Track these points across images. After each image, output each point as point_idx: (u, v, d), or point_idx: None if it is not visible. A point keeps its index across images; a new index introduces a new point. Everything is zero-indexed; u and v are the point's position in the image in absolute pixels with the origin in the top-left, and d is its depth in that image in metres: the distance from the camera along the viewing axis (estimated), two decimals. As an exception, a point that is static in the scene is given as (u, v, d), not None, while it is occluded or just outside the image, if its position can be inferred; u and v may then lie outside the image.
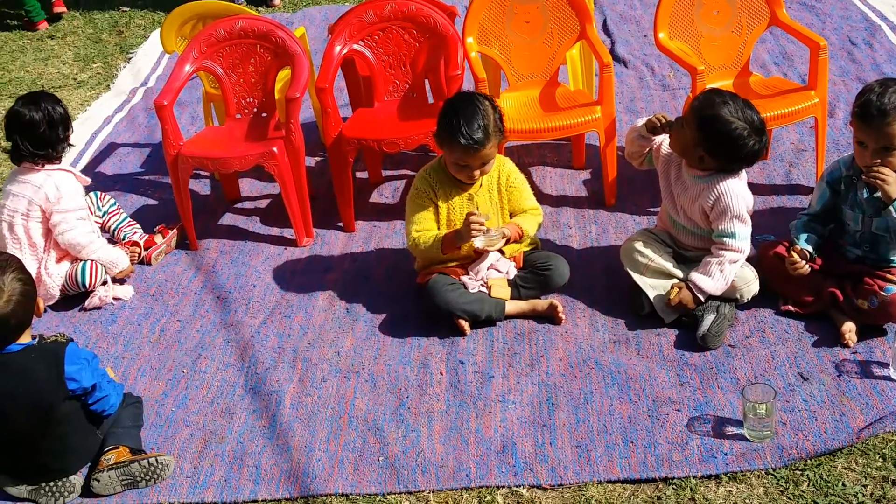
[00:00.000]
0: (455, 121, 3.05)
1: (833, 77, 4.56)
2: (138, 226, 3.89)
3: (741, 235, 3.05)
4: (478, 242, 3.10)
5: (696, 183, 3.08)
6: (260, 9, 6.52)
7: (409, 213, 3.25)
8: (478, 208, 3.22)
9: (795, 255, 2.99)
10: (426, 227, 3.22)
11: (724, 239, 3.05)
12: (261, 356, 3.21)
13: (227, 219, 4.11)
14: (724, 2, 3.81)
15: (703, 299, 3.06)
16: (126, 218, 3.88)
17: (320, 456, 2.77)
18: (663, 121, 3.09)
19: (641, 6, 5.81)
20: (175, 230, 3.91)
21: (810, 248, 3.05)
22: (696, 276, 3.07)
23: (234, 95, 3.95)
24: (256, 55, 3.89)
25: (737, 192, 3.03)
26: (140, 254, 3.79)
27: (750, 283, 3.12)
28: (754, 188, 3.79)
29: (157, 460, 2.72)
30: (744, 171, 3.09)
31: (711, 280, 3.05)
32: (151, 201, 4.31)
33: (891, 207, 2.84)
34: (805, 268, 2.99)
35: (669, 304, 3.08)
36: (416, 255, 3.31)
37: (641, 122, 3.15)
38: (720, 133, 2.94)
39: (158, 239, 3.86)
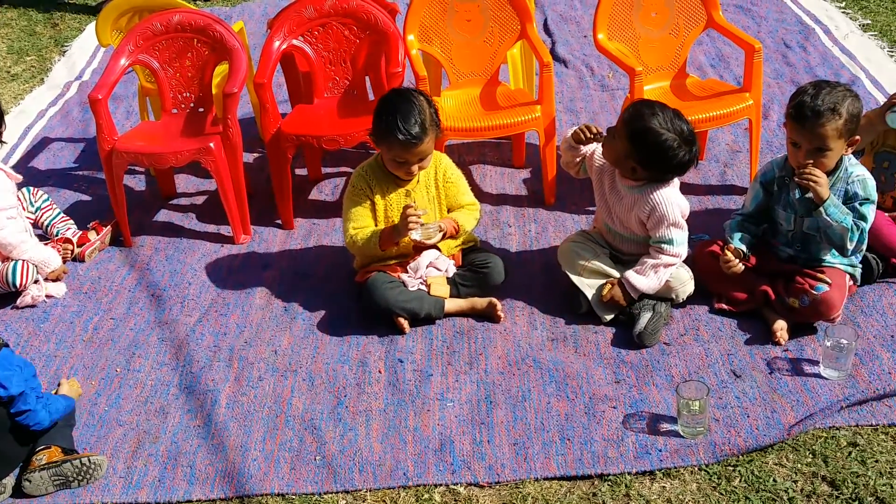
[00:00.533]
0: (391, 117, 3.04)
1: (767, 79, 4.66)
2: (72, 222, 3.80)
3: (678, 241, 3.10)
4: (415, 235, 3.09)
5: (630, 193, 3.12)
6: (198, 2, 6.42)
7: (347, 210, 3.23)
8: (415, 204, 3.22)
9: (729, 254, 3.05)
10: (364, 224, 3.20)
11: (662, 245, 3.10)
12: (196, 355, 3.16)
13: (163, 215, 4.03)
14: (661, 4, 3.86)
15: (635, 297, 3.10)
16: (59, 214, 3.79)
17: (256, 455, 2.73)
18: (588, 133, 3.11)
19: (582, 7, 5.86)
20: (109, 227, 3.83)
21: (744, 248, 3.11)
22: (630, 275, 3.11)
23: (171, 90, 3.88)
24: (194, 49, 3.83)
25: (671, 200, 3.07)
26: (73, 251, 3.70)
27: (685, 284, 3.17)
28: (690, 189, 3.87)
29: (89, 460, 2.67)
30: (676, 178, 3.13)
31: (645, 279, 3.09)
32: (85, 197, 4.20)
33: (821, 208, 2.91)
34: (739, 266, 3.04)
35: (603, 301, 3.12)
36: (354, 252, 3.29)
37: (570, 132, 3.17)
38: (651, 145, 2.98)
39: (92, 236, 3.77)
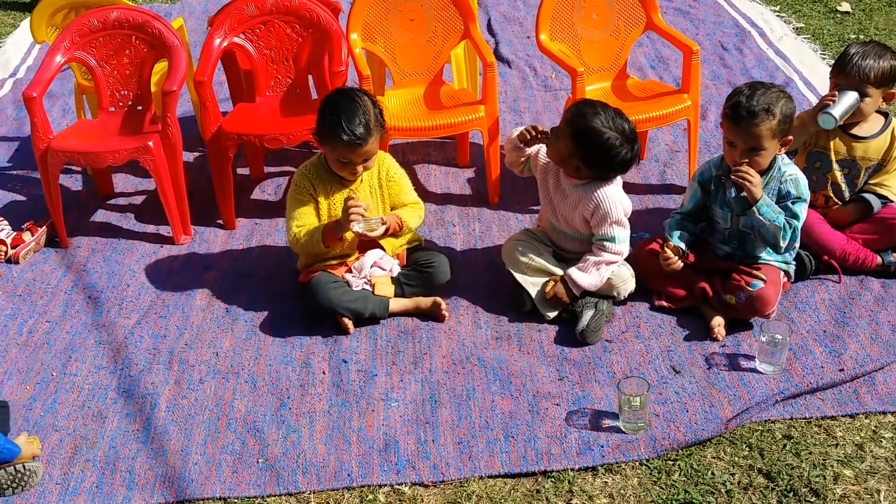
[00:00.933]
0: (336, 118, 3.02)
1: (705, 81, 4.76)
2: (5, 222, 3.71)
3: (620, 239, 3.14)
4: (357, 227, 3.05)
5: (574, 191, 3.16)
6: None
7: (290, 209, 3.20)
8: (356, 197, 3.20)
9: (669, 252, 3.10)
10: (307, 223, 3.17)
11: (605, 242, 3.14)
12: (135, 358, 3.10)
13: (100, 215, 3.95)
14: (602, 6, 3.91)
15: (577, 294, 3.13)
16: None
17: (197, 459, 2.69)
18: (533, 133, 3.14)
19: (525, 8, 5.91)
20: (45, 227, 3.74)
21: (683, 246, 3.17)
22: (573, 272, 3.14)
23: (108, 88, 3.80)
24: (132, 46, 3.75)
25: (614, 198, 3.12)
26: (6, 252, 3.60)
27: (626, 282, 3.21)
28: (631, 188, 3.92)
29: (24, 467, 2.59)
30: (619, 176, 3.18)
31: (588, 276, 3.12)
32: (20, 197, 4.09)
33: (754, 208, 2.98)
34: (678, 264, 3.10)
35: (547, 298, 3.14)
36: (297, 250, 3.25)
37: (516, 132, 3.19)
38: (594, 144, 3.02)
39: (27, 237, 3.67)
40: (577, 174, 3.12)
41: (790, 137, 3.02)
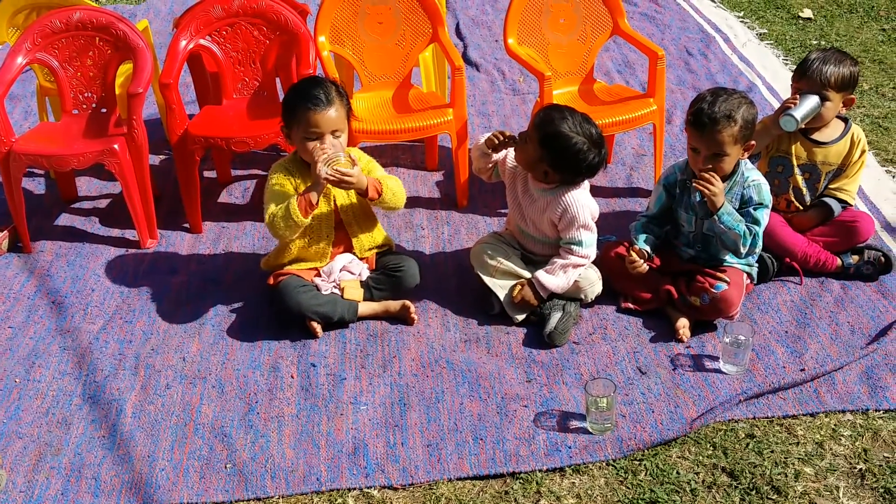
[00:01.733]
0: (297, 91, 3.03)
1: (671, 85, 4.81)
2: None
3: (587, 243, 3.17)
4: (324, 169, 2.91)
5: (542, 196, 3.18)
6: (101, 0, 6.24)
7: (268, 199, 3.09)
8: (335, 202, 3.18)
9: (634, 255, 3.14)
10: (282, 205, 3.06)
11: (572, 246, 3.17)
12: (100, 363, 3.07)
13: (64, 219, 3.90)
14: (570, 11, 3.94)
15: (544, 297, 3.16)
16: None
17: (164, 465, 2.67)
18: (502, 138, 3.15)
19: (493, 11, 5.93)
20: (6, 232, 3.68)
21: (648, 248, 3.20)
22: (540, 274, 3.16)
23: (71, 90, 3.75)
24: (95, 48, 3.71)
25: (582, 202, 3.14)
26: None
27: (594, 284, 3.24)
28: (598, 191, 3.96)
29: (-16, 476, 2.56)
30: (586, 180, 3.21)
31: (555, 279, 3.15)
32: (-20, 202, 4.03)
33: (716, 216, 3.02)
34: (643, 266, 3.13)
35: (515, 302, 3.16)
36: (274, 232, 3.06)
37: (483, 138, 3.21)
38: (561, 148, 3.04)
39: None
40: (544, 179, 3.14)
41: (752, 143, 3.07)
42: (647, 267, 3.15)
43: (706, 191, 2.98)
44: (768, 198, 3.09)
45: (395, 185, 3.17)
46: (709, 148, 3.01)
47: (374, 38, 3.94)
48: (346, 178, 2.96)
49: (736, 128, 2.97)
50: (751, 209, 3.07)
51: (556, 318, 3.10)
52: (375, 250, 3.34)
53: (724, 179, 3.07)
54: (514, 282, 3.22)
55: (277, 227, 3.03)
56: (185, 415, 2.85)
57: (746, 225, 3.05)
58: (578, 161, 3.06)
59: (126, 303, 3.37)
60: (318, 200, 3.01)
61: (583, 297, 3.24)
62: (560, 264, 3.16)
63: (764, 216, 3.08)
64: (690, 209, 3.17)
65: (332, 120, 3.01)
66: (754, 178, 3.09)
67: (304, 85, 3.08)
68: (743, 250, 3.07)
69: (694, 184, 3.03)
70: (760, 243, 3.11)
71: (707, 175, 3.00)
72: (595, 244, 3.21)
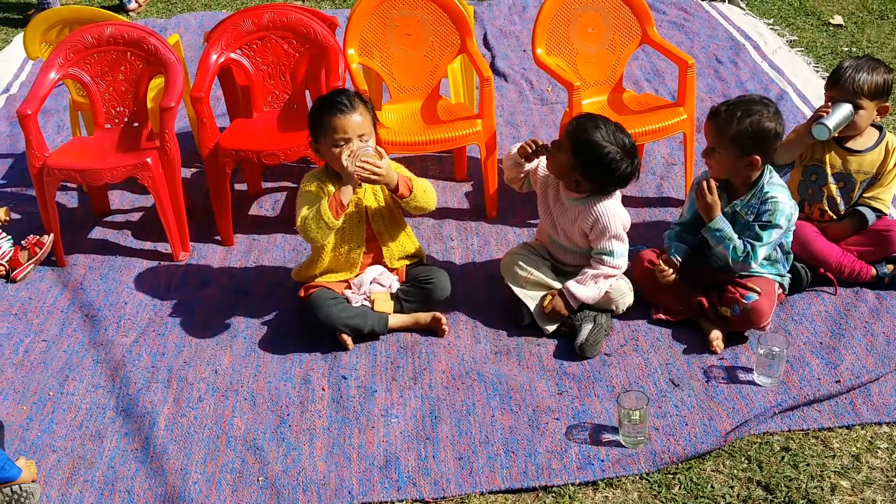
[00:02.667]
0: (322, 102, 3.07)
1: (700, 94, 4.78)
2: (7, 237, 3.69)
3: (619, 253, 3.15)
4: (348, 163, 2.92)
5: (574, 205, 3.17)
6: (131, 14, 6.31)
7: (300, 203, 3.08)
8: (366, 210, 3.18)
9: (663, 264, 3.11)
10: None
11: (604, 257, 3.15)
12: (133, 376, 3.09)
13: (97, 233, 3.94)
14: (598, 20, 3.93)
15: (575, 307, 3.14)
16: None
17: (197, 478, 2.68)
18: (534, 147, 3.15)
19: (521, 21, 5.93)
20: (50, 239, 3.68)
21: (679, 258, 3.17)
22: (571, 285, 3.15)
23: (104, 104, 3.80)
24: (127, 63, 3.76)
25: (614, 212, 3.13)
26: (2, 274, 3.59)
27: (625, 295, 3.22)
28: (628, 201, 3.92)
29: (21, 488, 2.57)
30: (618, 190, 3.19)
31: (586, 289, 3.13)
32: (15, 215, 4.07)
33: (707, 226, 3.02)
34: (672, 275, 3.10)
35: (545, 312, 3.15)
36: (306, 234, 3.04)
37: (515, 148, 3.20)
38: (594, 157, 3.03)
39: (23, 257, 3.64)
40: (576, 188, 3.13)
41: (756, 157, 2.99)
42: (675, 276, 3.12)
43: (699, 201, 2.99)
44: (783, 221, 3.01)
45: (425, 184, 3.16)
46: (707, 138, 3.05)
47: (403, 50, 3.95)
48: (375, 169, 2.95)
49: (732, 127, 2.96)
50: (757, 225, 3.03)
51: (587, 329, 3.09)
52: (406, 261, 3.34)
53: (743, 190, 3.05)
54: (544, 293, 3.20)
55: (309, 230, 3.01)
56: (218, 427, 2.86)
57: (745, 240, 3.01)
58: (611, 171, 3.05)
59: (158, 315, 3.39)
60: (349, 201, 3.00)
61: (614, 308, 3.22)
62: (591, 275, 3.14)
63: (769, 236, 3.02)
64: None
65: (358, 124, 3.02)
66: (773, 196, 3.03)
67: (326, 96, 3.12)
68: (733, 266, 3.07)
69: (695, 193, 3.03)
70: (758, 258, 3.05)
71: (703, 185, 2.99)
72: (626, 255, 3.19)
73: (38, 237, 3.70)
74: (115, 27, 3.75)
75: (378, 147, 3.03)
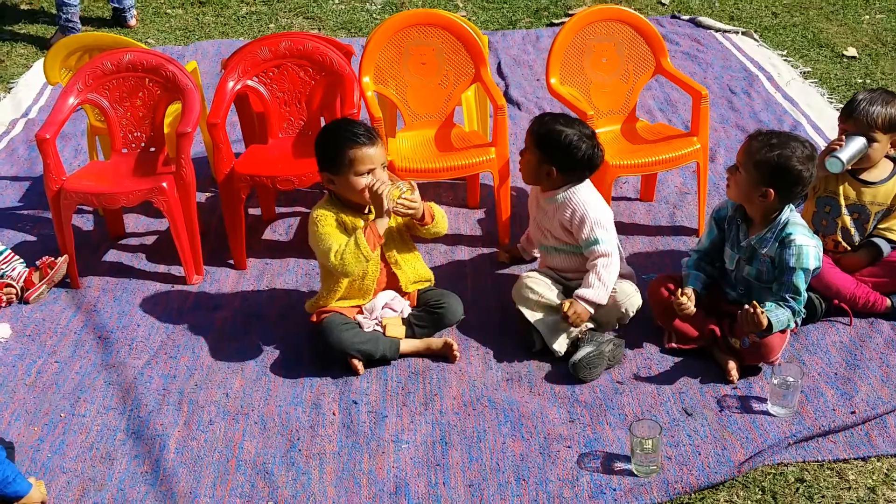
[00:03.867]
0: (339, 130, 3.07)
1: (714, 124, 4.79)
2: (19, 259, 3.71)
3: (604, 239, 3.18)
4: (386, 202, 2.97)
5: (551, 203, 3.26)
6: (150, 41, 6.40)
7: (324, 239, 3.06)
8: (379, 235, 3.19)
9: (684, 298, 3.07)
10: (343, 240, 3.06)
11: (591, 247, 3.18)
12: (144, 399, 3.09)
13: (111, 255, 3.96)
14: (612, 50, 3.95)
15: (592, 311, 3.15)
16: (3, 252, 3.70)
17: (206, 502, 2.67)
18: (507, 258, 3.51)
19: (534, 51, 5.97)
20: (62, 260, 3.70)
21: (697, 287, 3.15)
22: (579, 292, 3.16)
23: (121, 129, 3.84)
24: (145, 89, 3.80)
25: (587, 200, 3.21)
26: (17, 294, 3.61)
27: (631, 296, 3.22)
28: (640, 229, 3.95)
29: (30, 511, 2.58)
30: (589, 182, 3.26)
31: (593, 289, 3.14)
32: (30, 237, 4.11)
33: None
34: (691, 309, 3.08)
35: (566, 319, 3.12)
36: (344, 268, 3.01)
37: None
38: (555, 143, 3.16)
39: (36, 278, 3.67)
40: (549, 182, 3.23)
41: (771, 191, 2.95)
42: (695, 309, 3.10)
43: (745, 329, 2.95)
44: (807, 262, 2.94)
45: (441, 211, 3.25)
46: (737, 156, 3.04)
47: (418, 78, 3.98)
48: (412, 205, 3.06)
49: (755, 155, 2.94)
50: (790, 278, 2.96)
51: (586, 350, 3.08)
52: (419, 285, 3.34)
53: (759, 223, 3.04)
54: (555, 317, 3.20)
55: (347, 264, 3.00)
56: (228, 451, 2.86)
57: (788, 306, 2.97)
58: (572, 152, 3.15)
59: (171, 338, 3.40)
60: (383, 233, 3.05)
61: (623, 311, 3.21)
62: (591, 273, 3.17)
63: (803, 282, 2.97)
64: (737, 248, 3.13)
65: (381, 153, 3.08)
66: (794, 238, 2.95)
67: (338, 128, 3.11)
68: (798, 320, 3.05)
69: (736, 333, 3.04)
70: (803, 306, 3.03)
71: (749, 312, 2.90)
72: (614, 241, 3.22)
73: (51, 258, 3.72)
74: (134, 54, 3.80)
75: (410, 181, 3.10)
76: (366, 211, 3.17)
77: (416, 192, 3.07)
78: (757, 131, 3.05)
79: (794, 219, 3.02)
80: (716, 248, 3.22)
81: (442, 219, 3.23)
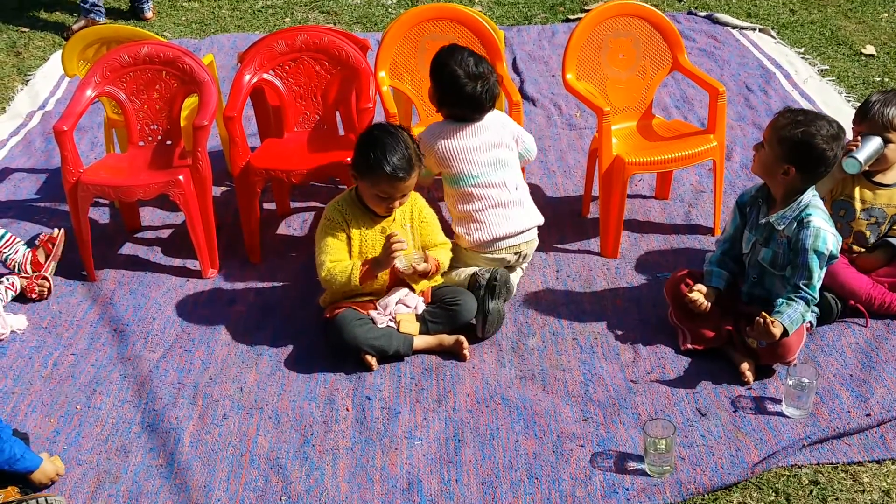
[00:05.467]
0: (379, 151, 3.04)
1: (730, 121, 4.76)
2: (20, 241, 3.77)
3: (530, 145, 3.58)
4: (399, 264, 3.06)
5: (482, 133, 3.46)
6: (166, 34, 6.41)
7: (321, 243, 3.19)
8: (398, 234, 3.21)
9: (695, 295, 3.07)
10: (339, 258, 3.16)
11: (529, 151, 3.58)
12: (159, 392, 3.11)
13: (127, 249, 3.98)
14: (629, 46, 3.93)
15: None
16: (3, 236, 3.76)
17: (220, 496, 2.68)
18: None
19: (550, 47, 5.95)
20: (61, 234, 3.81)
21: (720, 286, 3.13)
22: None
23: (138, 122, 3.85)
24: (162, 81, 3.81)
25: (507, 118, 3.55)
26: (49, 288, 3.66)
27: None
28: (656, 227, 3.93)
29: (46, 500, 2.59)
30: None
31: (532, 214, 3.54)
32: (47, 229, 4.12)
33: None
34: (706, 305, 3.07)
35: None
36: (328, 286, 3.21)
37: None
38: (440, 76, 3.40)
39: (41, 255, 3.74)
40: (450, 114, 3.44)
41: (792, 168, 2.92)
42: (709, 305, 3.08)
43: (755, 334, 2.93)
44: (824, 247, 2.93)
45: (445, 261, 3.28)
46: (764, 132, 3.03)
47: (433, 74, 3.97)
48: (422, 273, 3.14)
49: (780, 130, 2.92)
50: (805, 259, 2.94)
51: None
52: (428, 284, 3.34)
53: (781, 204, 3.02)
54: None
55: (333, 285, 3.17)
56: (242, 445, 2.87)
57: (801, 297, 2.95)
58: (457, 87, 3.35)
59: (186, 332, 3.42)
60: (378, 274, 3.16)
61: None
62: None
63: (818, 267, 2.94)
64: (755, 229, 3.10)
65: (406, 187, 3.12)
66: (812, 218, 2.94)
67: (383, 139, 3.08)
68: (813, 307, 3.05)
69: (747, 336, 3.01)
70: (817, 293, 3.00)
71: (759, 322, 2.89)
72: (534, 142, 3.58)
73: (47, 234, 3.81)
74: (151, 46, 3.81)
75: (422, 250, 3.20)
76: (379, 216, 3.22)
77: (423, 264, 3.12)
78: (786, 108, 3.04)
79: (815, 202, 3.00)
80: (739, 236, 3.18)
81: (444, 268, 3.28)
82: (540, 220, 3.53)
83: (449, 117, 3.44)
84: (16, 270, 3.69)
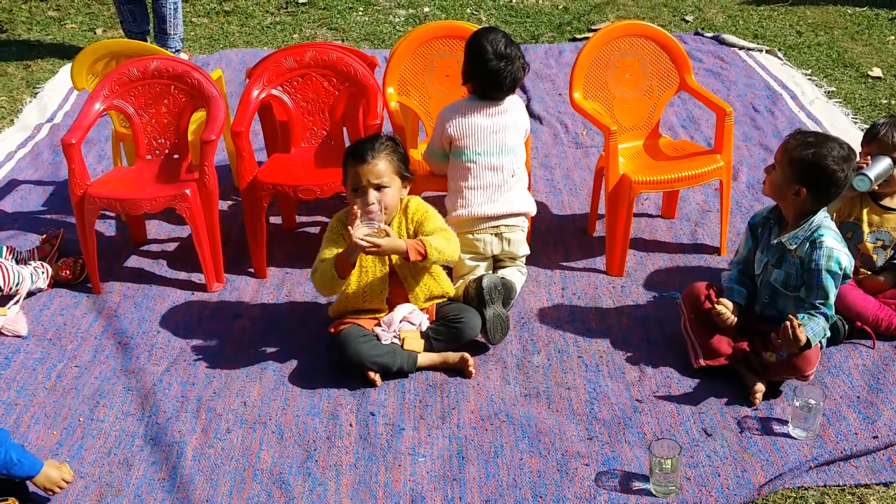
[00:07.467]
0: (350, 148, 3.22)
1: (737, 141, 4.76)
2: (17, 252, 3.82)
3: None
4: (356, 235, 2.98)
5: (492, 118, 3.52)
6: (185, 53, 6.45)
7: (321, 251, 3.22)
8: (389, 256, 3.20)
9: (723, 308, 3.05)
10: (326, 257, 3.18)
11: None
12: (162, 405, 3.10)
13: (133, 261, 3.99)
14: (636, 66, 3.95)
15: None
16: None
17: (222, 511, 2.67)
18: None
19: (557, 65, 5.97)
20: (60, 236, 3.97)
21: (741, 302, 3.11)
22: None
23: (146, 136, 3.87)
24: (170, 96, 3.83)
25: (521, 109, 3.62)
26: (77, 272, 3.80)
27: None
28: (662, 247, 3.93)
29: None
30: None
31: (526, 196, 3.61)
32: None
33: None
34: (732, 319, 3.05)
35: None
36: (314, 282, 3.20)
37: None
38: (470, 50, 3.48)
39: (48, 248, 3.89)
40: (483, 94, 3.51)
41: (803, 189, 2.93)
42: (735, 319, 3.06)
43: (782, 343, 2.89)
44: (837, 266, 2.93)
45: (441, 244, 3.14)
46: (775, 154, 3.03)
47: (441, 90, 3.99)
48: (373, 244, 3.00)
49: (790, 151, 2.93)
50: (819, 280, 2.93)
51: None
52: (431, 302, 3.33)
53: (793, 225, 3.01)
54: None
55: (315, 281, 3.20)
56: (245, 460, 2.86)
57: (821, 313, 2.93)
58: (483, 62, 3.43)
59: (190, 345, 3.41)
60: (355, 261, 3.11)
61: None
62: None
63: (833, 286, 2.93)
64: (766, 250, 3.09)
65: (373, 172, 3.11)
66: (824, 239, 2.94)
67: (357, 142, 3.26)
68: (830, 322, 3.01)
69: (780, 336, 2.92)
70: (833, 311, 2.99)
71: (787, 325, 2.85)
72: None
73: (43, 236, 4.02)
74: (160, 61, 3.83)
75: (385, 226, 3.09)
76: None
77: (387, 238, 3.02)
78: (797, 130, 3.05)
79: (827, 223, 3.00)
80: (753, 257, 3.17)
81: (440, 255, 3.12)
82: (530, 209, 3.59)
83: (472, 93, 3.53)
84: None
